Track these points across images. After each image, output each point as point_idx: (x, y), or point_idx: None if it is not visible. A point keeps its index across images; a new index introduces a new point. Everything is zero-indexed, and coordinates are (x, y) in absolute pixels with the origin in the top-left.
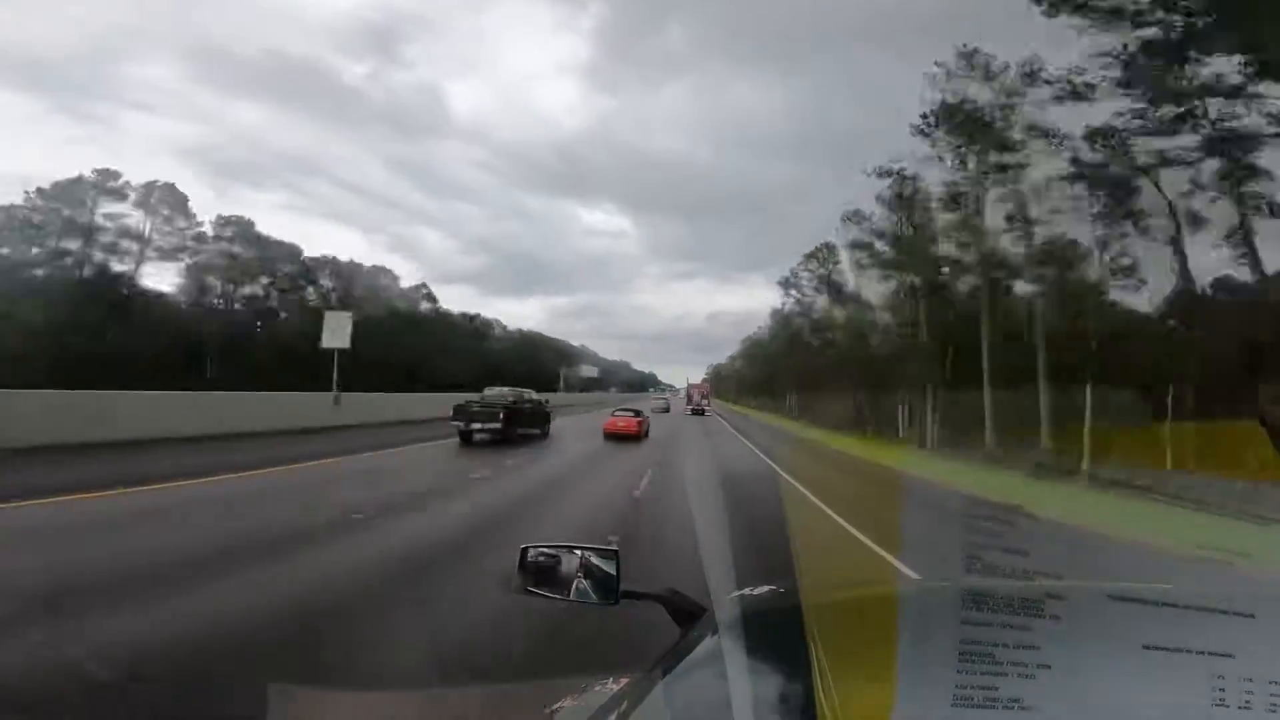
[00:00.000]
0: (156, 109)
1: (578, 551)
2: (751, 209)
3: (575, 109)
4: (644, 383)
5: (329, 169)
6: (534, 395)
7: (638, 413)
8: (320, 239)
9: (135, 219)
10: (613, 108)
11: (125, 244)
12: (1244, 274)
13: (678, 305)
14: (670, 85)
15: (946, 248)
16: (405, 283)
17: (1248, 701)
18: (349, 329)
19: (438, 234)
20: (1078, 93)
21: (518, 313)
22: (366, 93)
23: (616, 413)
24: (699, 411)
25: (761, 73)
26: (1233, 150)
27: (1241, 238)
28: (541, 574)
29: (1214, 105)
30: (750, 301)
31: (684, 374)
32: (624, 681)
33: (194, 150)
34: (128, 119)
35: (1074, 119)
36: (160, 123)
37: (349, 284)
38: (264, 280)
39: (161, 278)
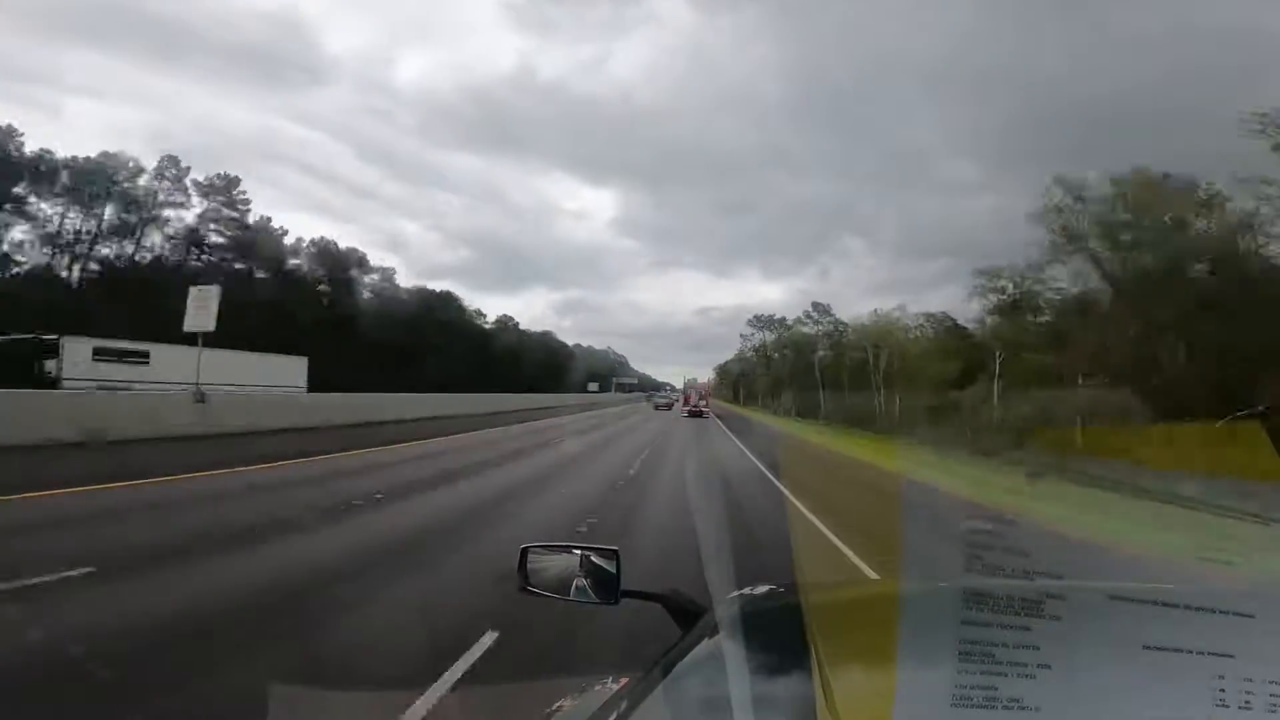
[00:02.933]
0: None
1: (577, 551)
2: (739, 187)
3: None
4: (611, 374)
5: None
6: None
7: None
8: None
9: None
10: (563, 56)
11: None
12: None
13: (666, 301)
14: (635, 33)
15: None
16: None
17: (1248, 701)
18: (214, 308)
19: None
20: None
21: (507, 307)
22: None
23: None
24: (697, 413)
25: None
26: None
27: None
28: (542, 573)
29: None
30: (749, 298)
31: (677, 373)
32: (624, 681)
33: None
34: None
35: None
36: None
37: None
38: None
39: None
